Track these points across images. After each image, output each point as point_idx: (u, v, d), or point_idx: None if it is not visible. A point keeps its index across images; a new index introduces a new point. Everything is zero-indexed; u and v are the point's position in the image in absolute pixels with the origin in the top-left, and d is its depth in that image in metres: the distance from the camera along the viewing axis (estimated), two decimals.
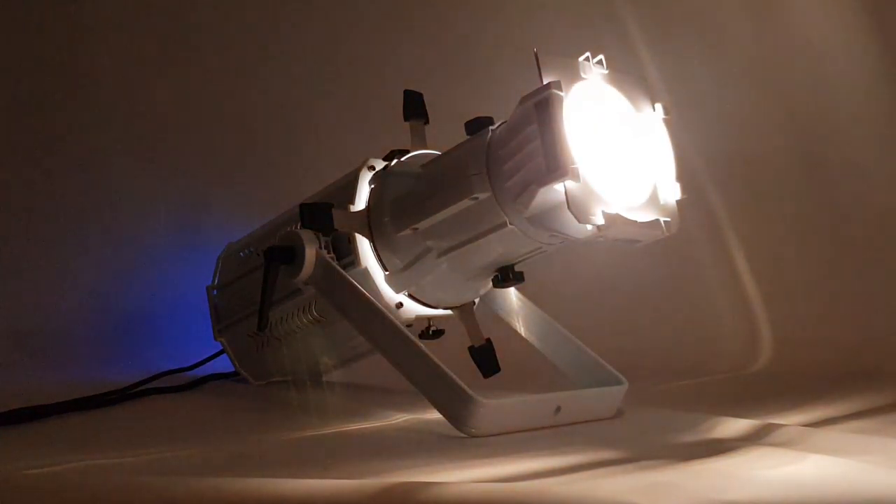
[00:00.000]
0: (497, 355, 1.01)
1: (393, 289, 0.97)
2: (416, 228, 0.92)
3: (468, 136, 0.91)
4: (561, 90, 0.80)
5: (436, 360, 0.84)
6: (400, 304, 0.97)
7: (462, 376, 0.84)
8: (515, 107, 0.85)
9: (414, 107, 1.04)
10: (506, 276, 0.94)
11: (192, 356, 1.26)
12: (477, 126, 0.90)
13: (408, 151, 1.01)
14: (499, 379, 1.00)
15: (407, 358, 0.86)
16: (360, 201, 0.98)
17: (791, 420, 0.92)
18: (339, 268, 0.93)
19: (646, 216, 0.85)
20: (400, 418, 0.96)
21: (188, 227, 1.47)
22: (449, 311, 1.01)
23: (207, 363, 1.24)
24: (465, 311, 1.01)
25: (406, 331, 0.88)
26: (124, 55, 1.51)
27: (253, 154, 1.55)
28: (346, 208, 0.97)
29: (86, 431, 0.93)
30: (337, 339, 1.05)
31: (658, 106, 0.90)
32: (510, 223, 0.86)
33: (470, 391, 0.82)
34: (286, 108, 1.57)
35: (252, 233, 1.17)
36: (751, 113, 1.67)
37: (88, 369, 1.26)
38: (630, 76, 0.90)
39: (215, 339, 1.20)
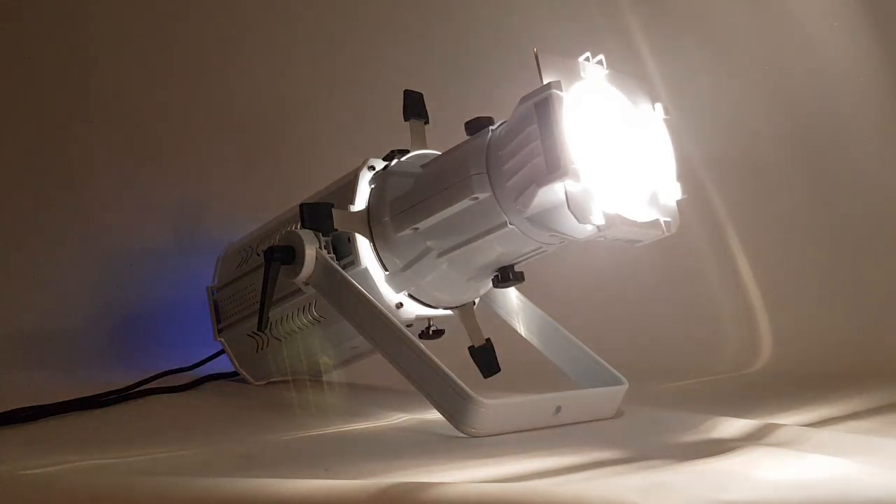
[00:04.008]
0: (497, 355, 1.00)
1: (393, 289, 0.97)
2: (416, 228, 0.92)
3: (468, 136, 0.91)
4: (561, 90, 0.80)
5: (436, 360, 0.84)
6: (400, 304, 0.97)
7: (462, 376, 0.84)
8: (515, 107, 0.85)
9: (414, 107, 1.04)
10: (506, 276, 0.94)
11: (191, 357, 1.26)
12: (477, 126, 0.90)
13: (408, 151, 1.01)
14: (499, 379, 1.00)
15: (407, 358, 0.86)
16: (361, 201, 0.98)
17: (791, 420, 0.92)
18: (339, 268, 0.93)
19: (646, 216, 0.85)
20: (400, 418, 0.96)
21: (188, 228, 1.47)
22: (449, 311, 1.01)
23: (207, 363, 1.24)
24: (465, 311, 1.01)
25: (406, 331, 0.87)
26: (124, 55, 1.51)
27: (252, 154, 1.55)
28: (346, 208, 0.97)
29: (86, 431, 0.93)
30: (337, 339, 1.05)
31: (658, 105, 0.90)
32: (510, 223, 0.86)
33: (470, 391, 0.82)
34: (286, 108, 1.57)
35: (252, 233, 1.17)
36: (752, 113, 1.67)
37: (88, 370, 1.26)
38: (630, 76, 0.90)
39: (215, 339, 1.20)
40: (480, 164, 0.87)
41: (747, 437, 0.81)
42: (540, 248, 0.91)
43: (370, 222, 0.96)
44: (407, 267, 0.95)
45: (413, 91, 1.05)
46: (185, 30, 1.56)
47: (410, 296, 0.97)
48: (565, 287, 1.46)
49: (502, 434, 0.84)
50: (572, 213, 0.78)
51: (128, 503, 0.60)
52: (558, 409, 0.88)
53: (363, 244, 0.96)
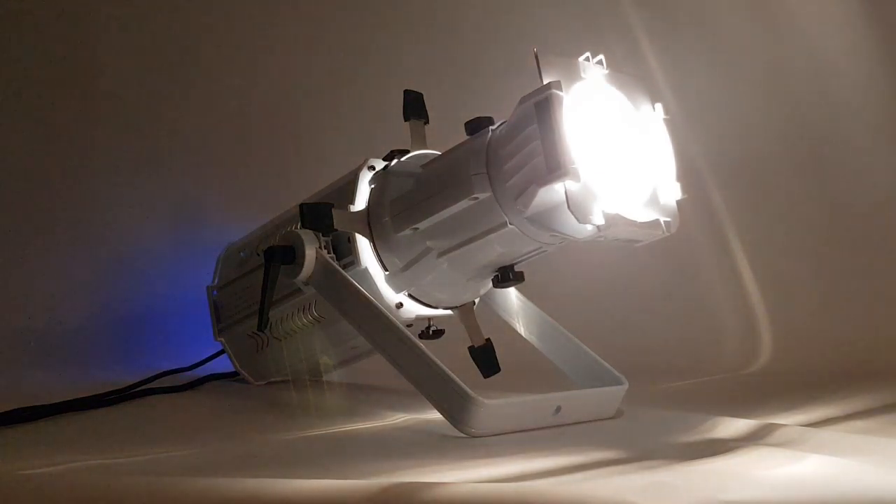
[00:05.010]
0: (497, 355, 1.00)
1: (393, 289, 0.97)
2: (417, 228, 0.92)
3: (468, 136, 0.91)
4: (561, 90, 0.80)
5: (436, 360, 0.84)
6: (400, 304, 0.97)
7: (462, 376, 0.84)
8: (515, 107, 0.85)
9: (414, 106, 1.04)
10: (506, 276, 0.94)
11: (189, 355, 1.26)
12: (477, 126, 0.90)
13: (408, 151, 1.01)
14: (499, 379, 1.00)
15: (407, 358, 0.86)
16: (360, 201, 0.98)
17: (791, 420, 0.92)
18: (339, 268, 0.93)
19: (646, 216, 0.85)
20: (400, 418, 0.96)
21: (187, 228, 1.47)
22: (449, 311, 1.01)
23: (207, 363, 1.24)
24: (465, 311, 1.01)
25: (406, 331, 0.87)
26: (125, 55, 1.51)
27: (253, 154, 1.55)
28: (346, 208, 0.97)
29: (86, 431, 0.93)
30: (337, 340, 1.05)
31: (658, 105, 0.90)
32: (510, 223, 0.86)
33: (470, 391, 0.82)
34: (286, 107, 1.57)
35: (252, 233, 1.17)
36: (753, 114, 1.67)
37: (88, 370, 1.26)
38: (630, 76, 0.90)
39: (215, 339, 1.20)
40: (480, 164, 0.87)
41: (747, 437, 0.81)
42: (540, 248, 0.91)
43: (370, 222, 0.96)
44: (407, 267, 0.95)
45: (413, 91, 1.04)
46: (186, 29, 1.56)
47: (410, 296, 0.97)
48: (565, 287, 1.46)
49: (502, 434, 0.84)
50: (572, 213, 0.78)
51: (128, 503, 0.60)
52: (558, 409, 0.88)
53: (363, 244, 0.96)
